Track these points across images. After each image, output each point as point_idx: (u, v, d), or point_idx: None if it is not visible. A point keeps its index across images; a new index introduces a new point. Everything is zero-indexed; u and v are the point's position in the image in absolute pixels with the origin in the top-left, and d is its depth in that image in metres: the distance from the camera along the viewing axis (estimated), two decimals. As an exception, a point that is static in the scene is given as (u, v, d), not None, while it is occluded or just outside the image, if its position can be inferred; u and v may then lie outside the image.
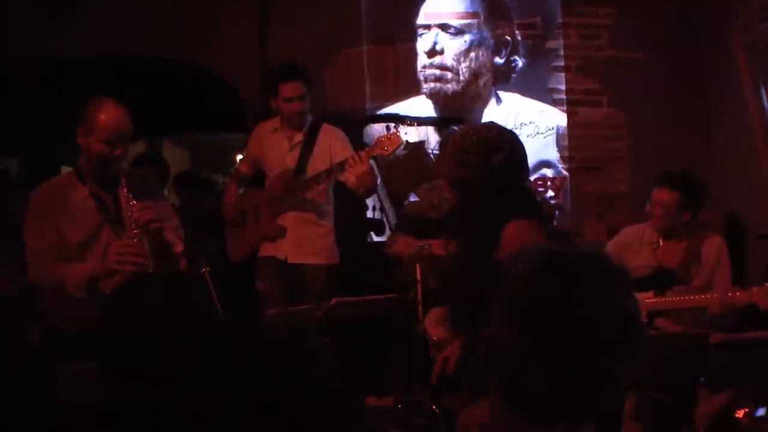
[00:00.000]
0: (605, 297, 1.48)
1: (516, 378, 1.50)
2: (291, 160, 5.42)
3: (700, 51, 6.71)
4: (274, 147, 5.52)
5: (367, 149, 5.15)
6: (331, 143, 5.41)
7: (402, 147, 5.10)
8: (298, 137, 5.43)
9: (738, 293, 4.41)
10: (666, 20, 6.68)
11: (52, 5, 6.73)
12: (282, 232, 5.37)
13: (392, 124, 5.29)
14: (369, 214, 6.34)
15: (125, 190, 3.78)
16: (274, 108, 5.47)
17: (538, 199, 3.38)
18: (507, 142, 3.18)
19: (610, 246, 4.89)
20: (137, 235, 3.70)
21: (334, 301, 4.68)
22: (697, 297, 4.59)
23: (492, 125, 3.34)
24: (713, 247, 4.79)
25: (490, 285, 1.57)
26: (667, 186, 4.73)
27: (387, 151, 5.01)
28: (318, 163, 5.34)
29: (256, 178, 5.70)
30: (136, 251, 3.65)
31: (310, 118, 5.46)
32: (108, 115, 3.75)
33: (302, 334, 4.37)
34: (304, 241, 5.38)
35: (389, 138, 5.02)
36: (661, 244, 4.80)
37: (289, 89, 5.31)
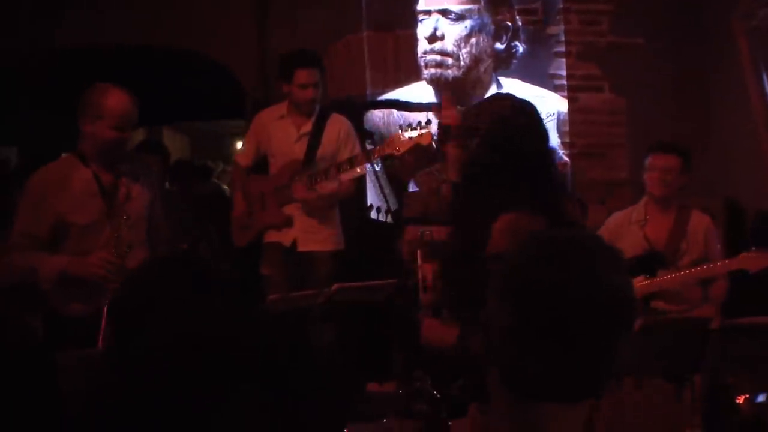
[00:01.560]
0: (596, 275, 1.49)
1: (512, 360, 1.50)
2: (299, 150, 5.37)
3: (700, 37, 6.70)
4: (281, 134, 5.45)
5: (378, 148, 5.16)
6: (339, 135, 5.39)
7: (415, 147, 5.03)
8: (307, 126, 5.38)
9: (726, 261, 4.57)
10: (666, 6, 6.67)
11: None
12: (288, 221, 5.34)
13: (420, 121, 5.16)
14: (369, 198, 6.35)
15: (124, 189, 3.94)
16: (285, 93, 5.40)
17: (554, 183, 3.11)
18: (517, 118, 2.94)
19: (600, 233, 4.87)
20: (122, 254, 3.78)
21: (335, 286, 4.68)
22: (688, 272, 4.66)
23: (505, 98, 3.18)
24: (701, 225, 4.83)
25: (479, 279, 1.58)
26: (665, 151, 4.78)
27: (398, 151, 4.98)
28: (326, 153, 5.33)
29: (257, 165, 5.65)
30: (115, 274, 3.72)
31: (318, 107, 5.41)
32: (116, 100, 3.86)
33: (303, 320, 4.38)
34: (312, 229, 5.36)
35: (402, 139, 4.98)
36: (648, 219, 4.82)
37: (304, 75, 5.25)
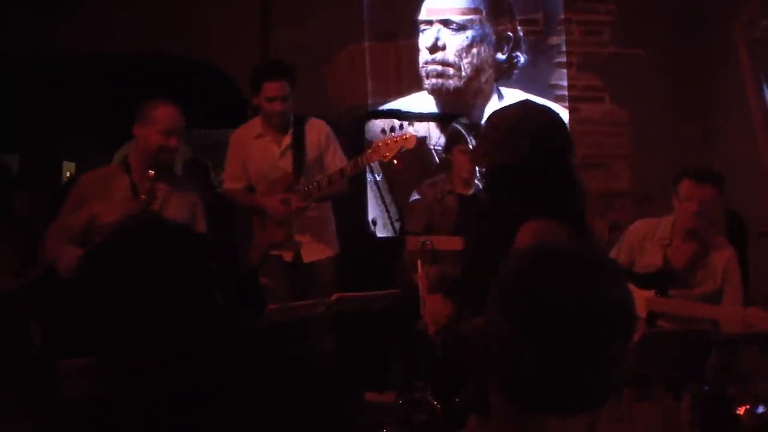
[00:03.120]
0: (593, 286, 1.49)
1: (512, 369, 1.50)
2: (286, 165, 5.21)
3: (701, 47, 6.71)
4: (262, 154, 5.26)
5: (365, 155, 4.99)
6: (320, 139, 5.25)
7: (403, 151, 4.87)
8: (287, 140, 5.20)
9: (758, 312, 4.14)
10: (667, 16, 6.68)
11: (52, 3, 6.71)
12: (288, 237, 5.21)
13: (396, 123, 5.15)
14: (370, 211, 6.33)
15: (160, 197, 4.33)
16: (255, 105, 5.26)
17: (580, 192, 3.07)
18: (543, 126, 2.90)
19: (624, 243, 4.79)
20: None
21: (335, 296, 4.67)
22: (702, 306, 4.47)
23: (535, 105, 3.14)
24: (723, 258, 4.61)
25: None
26: (703, 181, 4.48)
27: (386, 156, 4.86)
28: (312, 161, 5.22)
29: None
30: None
31: (291, 117, 5.22)
32: (164, 110, 4.39)
33: (303, 329, 4.37)
34: (313, 239, 5.26)
35: (388, 143, 4.87)
36: (672, 243, 4.68)
37: (272, 88, 5.06)
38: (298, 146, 5.20)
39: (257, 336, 1.16)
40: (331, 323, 4.88)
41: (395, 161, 4.88)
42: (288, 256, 5.22)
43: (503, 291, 1.54)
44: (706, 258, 4.60)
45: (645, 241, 4.69)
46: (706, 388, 3.98)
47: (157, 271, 1.62)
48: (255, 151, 5.26)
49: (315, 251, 5.27)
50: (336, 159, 5.23)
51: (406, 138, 4.87)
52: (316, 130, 5.26)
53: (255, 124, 5.30)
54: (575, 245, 1.62)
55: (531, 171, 2.86)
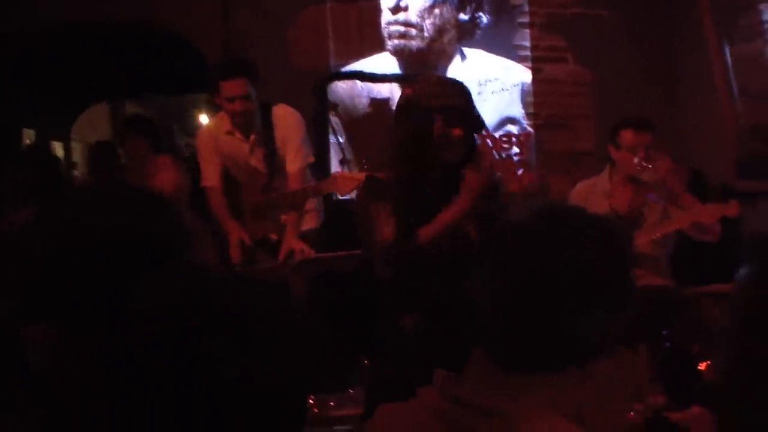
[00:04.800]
0: (567, 249, 1.52)
1: (492, 327, 1.54)
2: (257, 163, 5.01)
3: (665, 8, 6.75)
4: (234, 150, 5.05)
5: (326, 185, 4.63)
6: (284, 132, 4.97)
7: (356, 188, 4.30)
8: (254, 137, 4.99)
9: (681, 216, 4.61)
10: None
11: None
12: (268, 232, 5.05)
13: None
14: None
15: None
16: (218, 105, 5.00)
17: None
18: None
19: (571, 202, 4.90)
20: None
21: (297, 259, 4.67)
22: (650, 230, 4.70)
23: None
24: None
25: None
26: (639, 128, 4.71)
27: (343, 192, 4.39)
28: (283, 157, 4.99)
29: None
30: None
31: (257, 112, 4.94)
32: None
33: (284, 292, 4.38)
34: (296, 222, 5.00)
35: (346, 179, 4.38)
36: (613, 193, 4.83)
37: (230, 88, 4.77)
38: (267, 143, 4.96)
39: (226, 290, 1.17)
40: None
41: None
42: (274, 236, 5.05)
43: (483, 252, 1.58)
44: (645, 193, 4.75)
45: (589, 198, 4.81)
46: (668, 344, 4.06)
47: (125, 233, 1.62)
48: (226, 148, 5.04)
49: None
50: (298, 157, 4.97)
51: (360, 179, 4.44)
52: (283, 122, 5.00)
53: (223, 120, 5.03)
54: (547, 209, 1.65)
55: None
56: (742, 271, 1.28)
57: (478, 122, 3.49)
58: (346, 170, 5.39)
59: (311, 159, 5.08)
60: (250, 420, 1.11)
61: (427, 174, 3.38)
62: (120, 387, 1.09)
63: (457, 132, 3.36)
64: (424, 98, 3.36)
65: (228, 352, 1.08)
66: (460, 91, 3.43)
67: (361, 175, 4.18)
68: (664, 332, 4.22)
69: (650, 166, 4.68)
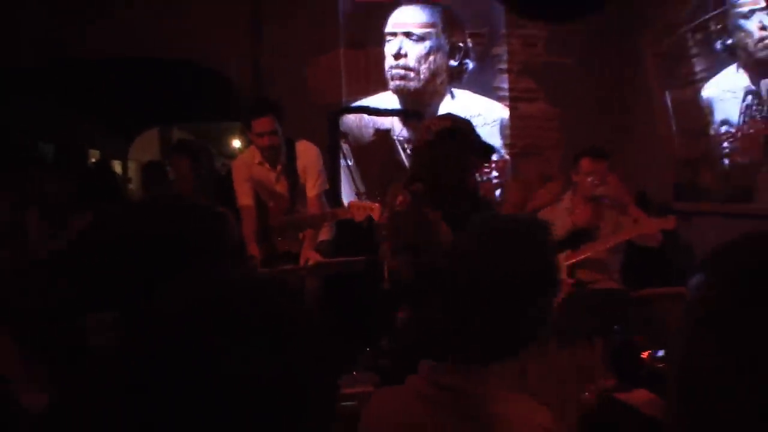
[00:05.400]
0: (509, 252, 1.53)
1: (456, 329, 1.55)
2: (282, 189, 4.97)
3: (619, 57, 6.77)
4: (263, 178, 4.99)
5: (342, 211, 4.60)
6: (305, 163, 4.93)
7: (367, 216, 4.34)
8: (279, 167, 4.94)
9: (627, 230, 4.63)
10: (590, 31, 6.70)
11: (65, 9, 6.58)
12: (290, 247, 5.01)
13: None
14: (344, 194, 6.30)
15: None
16: (250, 139, 4.95)
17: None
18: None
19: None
20: None
21: (312, 261, 4.67)
22: (605, 240, 4.72)
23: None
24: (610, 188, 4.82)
25: None
26: (595, 156, 4.76)
27: (356, 218, 4.35)
28: (303, 185, 4.97)
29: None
30: None
31: (283, 146, 4.90)
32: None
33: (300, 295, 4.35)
34: (314, 237, 4.98)
35: (359, 208, 4.35)
36: (575, 210, 4.85)
37: (259, 125, 4.73)
38: (290, 172, 4.92)
39: (251, 290, 1.09)
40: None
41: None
42: (294, 247, 5.01)
43: (454, 261, 1.59)
44: (602, 210, 4.77)
45: (553, 214, 4.82)
46: (617, 337, 4.06)
47: (169, 238, 1.60)
48: (257, 175, 4.99)
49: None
50: (316, 185, 4.94)
51: (372, 208, 4.30)
52: (304, 155, 4.96)
53: (254, 152, 4.96)
54: (496, 217, 1.66)
55: None
56: (696, 279, 1.31)
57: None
58: (361, 199, 5.42)
59: (327, 186, 5.06)
60: (274, 417, 0.99)
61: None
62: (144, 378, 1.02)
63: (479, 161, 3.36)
64: (465, 131, 3.30)
65: (243, 351, 0.98)
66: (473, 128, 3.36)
67: (375, 205, 4.19)
68: (616, 327, 4.23)
69: (603, 183, 4.73)
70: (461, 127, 3.26)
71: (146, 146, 12.04)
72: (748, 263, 0.93)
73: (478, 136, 3.31)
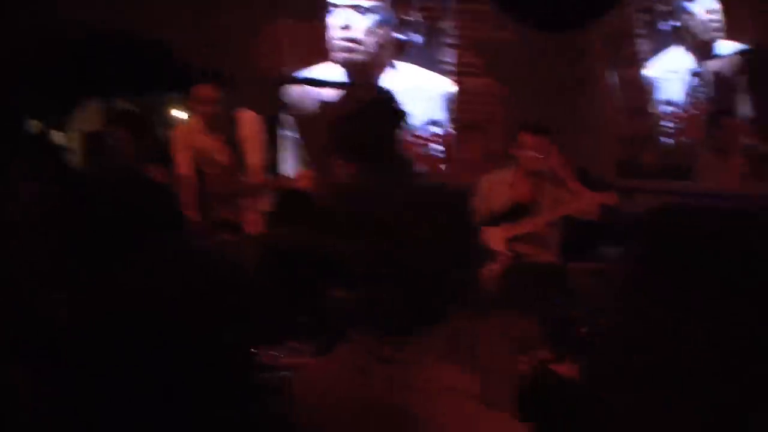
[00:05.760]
0: (426, 221, 1.54)
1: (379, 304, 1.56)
2: (223, 158, 4.92)
3: (566, 36, 6.81)
4: (204, 147, 4.92)
5: (283, 180, 4.67)
6: (247, 133, 4.92)
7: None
8: (222, 137, 4.90)
9: (563, 207, 4.68)
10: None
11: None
12: (229, 215, 4.97)
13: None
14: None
15: None
16: (190, 108, 4.94)
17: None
18: None
19: (478, 196, 4.89)
20: None
21: (253, 228, 4.66)
22: (545, 214, 4.77)
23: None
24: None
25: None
26: (536, 132, 4.73)
27: (297, 186, 4.45)
28: (244, 151, 4.94)
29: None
30: None
31: (221, 117, 4.85)
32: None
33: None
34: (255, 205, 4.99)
35: (300, 177, 4.46)
36: (515, 184, 4.88)
37: (200, 91, 4.72)
38: (231, 141, 4.89)
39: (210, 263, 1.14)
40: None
41: None
42: (233, 216, 4.98)
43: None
44: (536, 186, 4.80)
45: (492, 189, 4.84)
46: (556, 310, 4.13)
47: (125, 211, 1.59)
48: (199, 143, 4.93)
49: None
50: (254, 155, 4.93)
51: (311, 177, 4.44)
52: (246, 125, 4.93)
53: (197, 121, 4.93)
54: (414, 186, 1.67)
55: None
56: (630, 246, 1.32)
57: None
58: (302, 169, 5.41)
59: (268, 155, 5.04)
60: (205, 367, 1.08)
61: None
62: None
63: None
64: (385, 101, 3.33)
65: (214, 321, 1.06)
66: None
67: (313, 174, 4.22)
68: (556, 301, 4.28)
69: (542, 157, 4.76)
70: (383, 98, 3.33)
71: (88, 117, 11.83)
72: (667, 234, 0.94)
73: (397, 104, 3.37)
